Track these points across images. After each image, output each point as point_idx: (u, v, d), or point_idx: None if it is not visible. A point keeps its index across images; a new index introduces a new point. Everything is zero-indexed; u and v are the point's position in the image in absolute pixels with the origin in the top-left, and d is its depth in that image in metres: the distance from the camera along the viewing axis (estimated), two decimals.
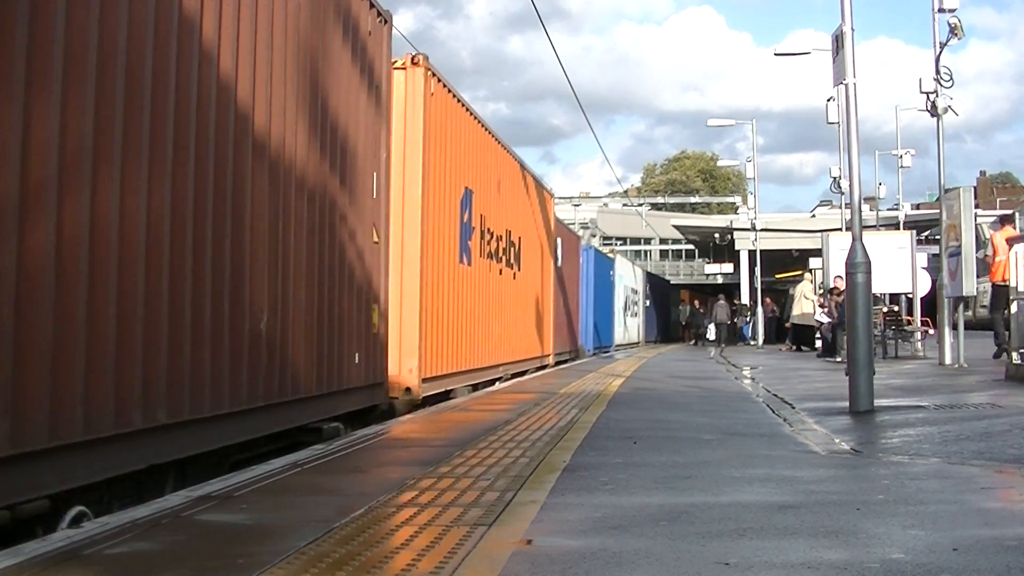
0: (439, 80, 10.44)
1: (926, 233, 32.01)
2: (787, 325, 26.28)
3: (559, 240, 20.44)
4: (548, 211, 18.99)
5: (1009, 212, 17.72)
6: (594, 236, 36.96)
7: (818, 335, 21.04)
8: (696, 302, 45.73)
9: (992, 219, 49.42)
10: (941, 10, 13.13)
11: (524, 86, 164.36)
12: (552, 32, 68.71)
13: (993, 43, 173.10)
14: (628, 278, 35.22)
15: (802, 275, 26.44)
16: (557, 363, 19.49)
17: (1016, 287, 10.31)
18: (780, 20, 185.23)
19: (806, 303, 22.94)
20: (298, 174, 6.63)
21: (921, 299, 19.12)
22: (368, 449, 5.99)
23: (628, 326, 34.90)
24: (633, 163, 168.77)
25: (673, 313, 50.63)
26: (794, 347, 24.22)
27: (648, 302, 40.39)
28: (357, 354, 7.82)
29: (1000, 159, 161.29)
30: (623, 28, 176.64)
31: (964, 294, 12.79)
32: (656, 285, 45.60)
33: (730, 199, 73.39)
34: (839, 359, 15.58)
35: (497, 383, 13.27)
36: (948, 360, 13.22)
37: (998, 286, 12.50)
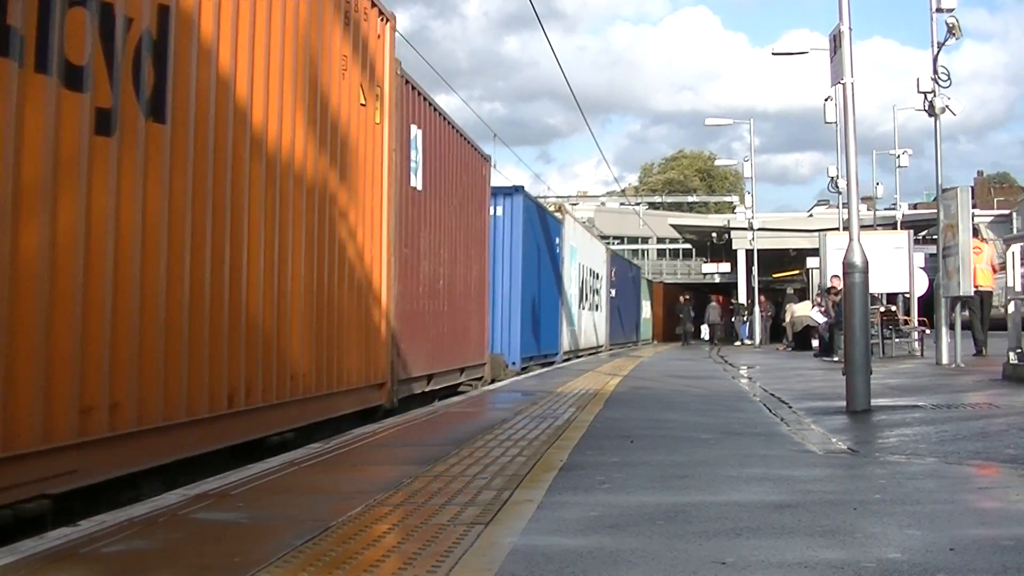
0: None
1: (923, 233, 32.05)
2: (784, 325, 26.43)
3: (418, 135, 10.08)
4: (371, 49, 8.54)
5: (974, 225, 18.10)
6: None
7: (815, 335, 21.08)
8: (682, 299, 41.78)
9: (989, 220, 49.61)
10: (939, 10, 13.14)
11: (519, 86, 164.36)
12: (548, 32, 68.54)
13: (986, 44, 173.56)
14: (586, 255, 25.85)
15: (794, 292, 26.90)
16: (411, 401, 9.75)
17: (1013, 287, 10.34)
18: (776, 21, 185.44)
19: (802, 309, 23.27)
20: None
21: (918, 299, 19.14)
22: (365, 448, 5.99)
23: (585, 324, 25.76)
24: (629, 163, 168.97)
25: (644, 309, 43.22)
26: (792, 347, 24.33)
27: (614, 292, 31.67)
28: None
29: (995, 160, 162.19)
30: (618, 29, 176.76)
31: (961, 294, 12.81)
32: (624, 271, 36.45)
33: (727, 198, 73.46)
34: (836, 359, 15.60)
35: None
36: (945, 360, 13.22)
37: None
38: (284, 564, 2.98)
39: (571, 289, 22.83)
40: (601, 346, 28.63)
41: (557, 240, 20.85)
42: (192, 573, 2.98)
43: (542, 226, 19.17)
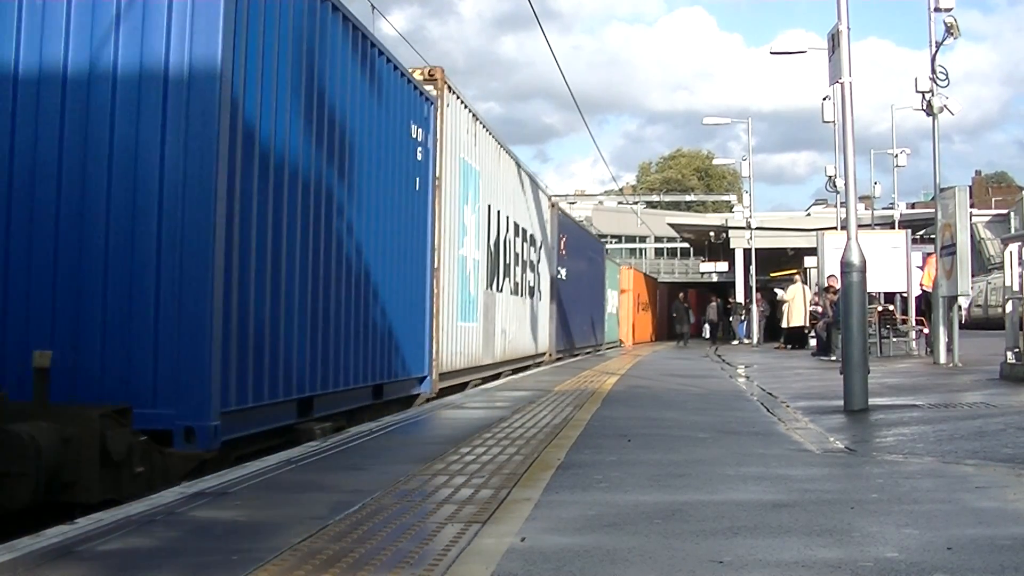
0: None
1: (921, 232, 32.07)
2: (780, 325, 26.31)
3: None
4: None
5: None
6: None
7: (812, 334, 21.06)
8: (681, 295, 38.98)
9: (987, 219, 49.70)
10: (937, 9, 13.15)
11: (515, 86, 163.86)
12: (544, 32, 68.22)
13: (980, 44, 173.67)
14: (506, 197, 14.88)
15: (794, 276, 26.36)
16: None
17: (1011, 286, 10.35)
18: (771, 21, 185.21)
19: (797, 310, 23.05)
20: None
21: (916, 298, 19.16)
22: (362, 446, 5.98)
23: (508, 319, 14.98)
24: (625, 162, 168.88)
25: (611, 302, 31.33)
26: (789, 346, 24.33)
27: (564, 272, 21.28)
28: None
29: (990, 159, 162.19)
30: (614, 28, 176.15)
31: (959, 293, 12.82)
32: (581, 245, 24.78)
33: (725, 198, 73.42)
34: (834, 358, 15.60)
35: None
36: (942, 359, 13.24)
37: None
38: (281, 562, 2.98)
39: (467, 249, 12.05)
40: (542, 353, 18.71)
41: (416, 133, 9.82)
42: (190, 571, 2.98)
43: (347, 73, 7.73)
